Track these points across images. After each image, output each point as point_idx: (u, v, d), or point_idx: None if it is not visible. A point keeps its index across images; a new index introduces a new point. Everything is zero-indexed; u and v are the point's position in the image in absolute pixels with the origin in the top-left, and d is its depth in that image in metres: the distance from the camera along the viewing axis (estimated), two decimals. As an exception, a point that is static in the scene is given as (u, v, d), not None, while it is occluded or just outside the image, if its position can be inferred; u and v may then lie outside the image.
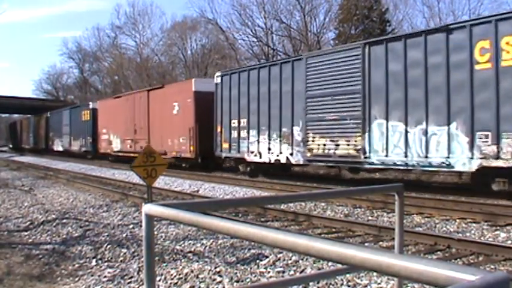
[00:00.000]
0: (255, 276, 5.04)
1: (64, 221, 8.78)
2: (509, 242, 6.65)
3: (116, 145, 26.05)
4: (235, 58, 38.09)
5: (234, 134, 16.71)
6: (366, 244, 6.83)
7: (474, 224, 7.88)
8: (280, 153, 14.69)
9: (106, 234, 7.49)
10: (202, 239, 6.75)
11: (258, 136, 15.55)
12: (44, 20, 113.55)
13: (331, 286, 4.57)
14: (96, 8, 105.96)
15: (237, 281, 4.86)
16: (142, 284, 4.18)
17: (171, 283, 4.90)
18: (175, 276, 5.08)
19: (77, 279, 5.32)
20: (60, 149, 35.91)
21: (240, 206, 7.47)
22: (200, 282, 4.86)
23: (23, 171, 22.45)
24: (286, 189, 13.35)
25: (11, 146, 61.12)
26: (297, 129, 14.12)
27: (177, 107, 19.82)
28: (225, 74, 17.62)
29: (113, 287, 4.92)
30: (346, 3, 31.81)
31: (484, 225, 7.75)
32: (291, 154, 14.31)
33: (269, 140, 15.08)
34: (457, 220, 8.25)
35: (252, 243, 6.02)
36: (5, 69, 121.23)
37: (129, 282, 5.00)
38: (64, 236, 7.53)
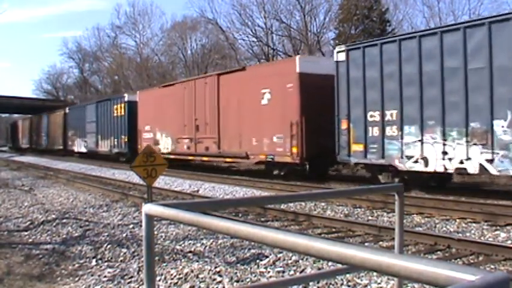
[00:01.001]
0: (255, 276, 5.04)
1: (64, 221, 8.78)
2: (509, 242, 6.65)
3: (166, 145, 21.27)
4: (235, 58, 38.10)
5: (374, 131, 12.25)
6: (366, 244, 6.83)
7: (474, 224, 7.88)
8: (468, 159, 10.29)
9: (106, 234, 7.49)
10: (202, 239, 6.75)
11: (422, 135, 11.18)
12: (44, 19, 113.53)
13: (331, 286, 4.57)
14: (96, 8, 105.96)
15: (237, 281, 4.86)
16: (142, 284, 4.18)
17: (171, 283, 4.90)
18: (175, 276, 5.08)
19: (77, 279, 5.32)
20: (83, 150, 31.30)
21: (240, 206, 7.47)
22: (200, 282, 4.86)
23: (23, 171, 22.45)
24: (286, 189, 13.35)
25: (10, 145, 60.77)
26: (501, 124, 9.79)
27: (268, 95, 15.08)
28: (353, 47, 13.10)
29: (113, 287, 4.92)
30: (346, 3, 31.79)
31: (484, 225, 7.75)
32: (490, 161, 9.88)
33: (444, 139, 10.75)
34: (457, 220, 8.24)
35: (252, 243, 6.02)
36: (6, 69, 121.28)
37: (129, 282, 5.00)
38: (64, 236, 7.53)
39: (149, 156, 8.07)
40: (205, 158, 19.33)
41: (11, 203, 11.54)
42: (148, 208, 1.71)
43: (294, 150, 14.15)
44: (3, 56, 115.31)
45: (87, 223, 8.51)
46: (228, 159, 17.88)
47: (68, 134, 34.56)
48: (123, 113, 25.20)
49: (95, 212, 9.90)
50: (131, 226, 8.14)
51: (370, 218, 8.84)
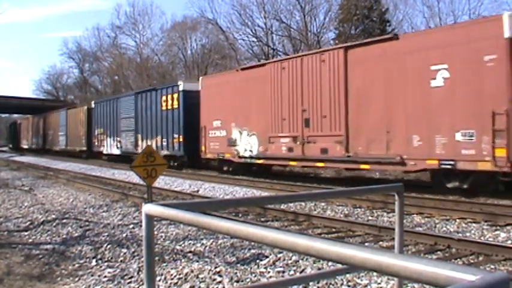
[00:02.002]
0: (255, 276, 5.04)
1: (64, 221, 8.78)
2: (509, 242, 6.65)
3: (248, 146, 16.14)
4: (235, 58, 38.10)
5: None
6: (366, 244, 6.83)
7: (474, 224, 7.88)
8: None
9: (106, 234, 7.49)
10: (202, 239, 6.75)
11: None
12: (44, 19, 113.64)
13: (331, 286, 4.57)
14: (97, 8, 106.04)
15: (237, 281, 4.86)
16: (142, 284, 4.18)
17: (171, 283, 4.90)
18: (175, 276, 5.08)
19: (77, 279, 5.32)
20: (115, 152, 26.58)
21: (240, 206, 7.47)
22: (200, 282, 4.86)
23: (23, 171, 22.45)
24: (286, 189, 13.34)
25: (11, 146, 60.12)
26: None
27: (444, 73, 10.61)
28: None
29: (113, 287, 4.92)
30: (346, 3, 31.81)
31: (484, 225, 7.75)
32: None
33: None
34: (457, 220, 8.25)
35: (252, 243, 6.02)
36: (7, 69, 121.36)
37: (129, 282, 5.00)
38: (64, 236, 7.53)
39: (149, 156, 8.08)
40: (320, 164, 14.09)
41: (11, 203, 11.54)
42: (148, 208, 1.71)
43: (500, 153, 9.66)
44: (3, 56, 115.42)
45: (87, 223, 8.51)
46: (363, 166, 12.80)
47: (94, 132, 29.45)
48: (176, 106, 20.16)
49: (95, 212, 9.90)
50: (131, 226, 8.14)
51: (370, 218, 8.84)
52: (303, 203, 10.11)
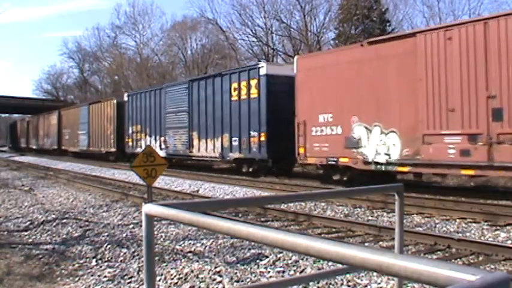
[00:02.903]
0: (255, 276, 5.04)
1: (64, 221, 8.78)
2: (509, 242, 6.65)
3: (383, 149, 11.84)
4: (235, 58, 38.10)
5: None
6: (366, 244, 6.83)
7: (474, 224, 7.88)
8: None
9: (106, 234, 7.49)
10: (202, 239, 6.75)
11: None
12: (44, 19, 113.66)
13: (331, 286, 4.57)
14: (97, 8, 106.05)
15: (237, 281, 4.86)
16: (142, 284, 4.18)
17: (171, 283, 4.90)
18: (175, 276, 5.08)
19: (77, 279, 5.32)
20: (160, 153, 18.13)
21: (240, 206, 7.47)
22: (200, 282, 4.86)
23: (23, 171, 22.45)
24: (286, 189, 13.34)
25: (10, 145, 59.73)
26: None
27: None
28: None
29: (113, 287, 4.92)
30: (346, 3, 31.81)
31: (484, 225, 7.75)
32: None
33: None
34: (457, 220, 8.25)
35: (252, 243, 6.02)
36: (7, 69, 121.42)
37: (129, 282, 5.00)
38: (64, 236, 7.53)
39: (149, 156, 8.07)
40: None
41: (11, 203, 11.54)
42: (148, 208, 1.71)
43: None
44: (3, 56, 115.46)
45: (87, 223, 8.51)
46: None
47: (128, 130, 24.85)
48: (254, 95, 15.80)
49: (95, 212, 9.90)
50: (131, 226, 8.14)
51: (370, 218, 8.84)
52: (303, 203, 10.11)
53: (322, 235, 7.44)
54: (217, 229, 1.42)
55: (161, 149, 21.14)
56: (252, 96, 16.02)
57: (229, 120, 16.94)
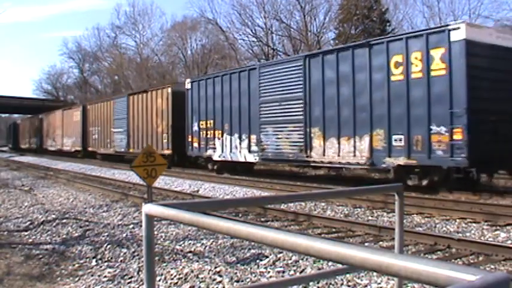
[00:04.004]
0: (255, 276, 5.04)
1: (64, 221, 8.78)
2: (509, 242, 6.65)
3: None
4: (235, 58, 38.10)
5: None
6: (366, 244, 6.83)
7: (474, 224, 7.88)
8: None
9: (106, 234, 7.49)
10: (202, 239, 6.75)
11: None
12: (44, 19, 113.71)
13: (331, 286, 4.57)
14: (97, 8, 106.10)
15: (237, 281, 4.86)
16: (142, 284, 4.18)
17: (171, 283, 4.90)
18: (175, 276, 5.08)
19: (77, 279, 5.32)
20: (249, 157, 16.24)
21: (240, 206, 7.47)
22: (200, 282, 4.86)
23: (23, 171, 22.44)
24: (286, 189, 13.34)
25: (11, 146, 59.17)
26: None
27: None
28: None
29: (113, 287, 4.92)
30: (346, 3, 31.83)
31: (484, 225, 7.75)
32: None
33: None
34: (457, 220, 8.25)
35: (252, 243, 6.02)
36: (7, 69, 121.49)
37: (129, 282, 5.00)
38: (64, 236, 7.53)
39: (149, 156, 8.07)
40: None
41: (11, 203, 11.54)
42: (148, 208, 1.71)
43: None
44: (3, 55, 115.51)
45: (87, 223, 8.51)
46: None
47: (192, 127, 19.27)
48: (441, 71, 10.75)
49: (95, 212, 9.90)
50: (131, 226, 8.14)
51: (370, 218, 8.84)
52: (303, 203, 10.11)
53: (322, 235, 7.44)
54: (217, 229, 1.42)
55: (250, 151, 15.99)
56: (434, 72, 10.92)
57: (387, 109, 11.84)
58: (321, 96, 13.56)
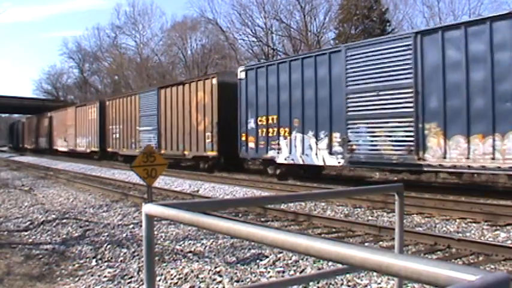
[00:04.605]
0: (255, 276, 5.04)
1: (64, 221, 8.78)
2: (509, 242, 6.65)
3: None
4: (235, 58, 38.10)
5: None
6: (366, 244, 6.83)
7: (474, 224, 7.88)
8: None
9: (106, 234, 7.48)
10: (202, 239, 6.75)
11: None
12: (44, 19, 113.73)
13: (331, 286, 4.57)
14: (97, 8, 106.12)
15: (237, 281, 4.86)
16: (142, 284, 4.18)
17: (171, 283, 4.90)
18: (175, 276, 5.08)
19: (77, 279, 5.32)
20: (330, 161, 13.39)
21: (240, 206, 7.47)
22: (200, 282, 4.86)
23: (23, 171, 22.44)
24: (286, 189, 13.34)
25: (12, 146, 58.98)
26: None
27: None
28: None
29: (113, 287, 4.92)
30: (346, 3, 31.82)
31: (484, 225, 7.75)
32: None
33: None
34: (457, 220, 8.25)
35: (252, 243, 6.02)
36: (7, 69, 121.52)
37: (129, 282, 5.00)
38: (64, 236, 7.53)
39: (149, 156, 8.07)
40: None
41: (11, 203, 11.53)
42: (148, 208, 1.71)
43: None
44: (3, 55, 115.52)
45: (87, 223, 8.50)
46: None
47: (247, 124, 16.22)
48: None
49: (95, 212, 9.90)
50: (131, 226, 8.14)
51: (370, 218, 8.84)
52: (303, 203, 10.11)
53: (322, 235, 7.44)
54: (217, 229, 1.42)
55: (332, 153, 13.26)
56: None
57: None
58: (441, 83, 10.66)
